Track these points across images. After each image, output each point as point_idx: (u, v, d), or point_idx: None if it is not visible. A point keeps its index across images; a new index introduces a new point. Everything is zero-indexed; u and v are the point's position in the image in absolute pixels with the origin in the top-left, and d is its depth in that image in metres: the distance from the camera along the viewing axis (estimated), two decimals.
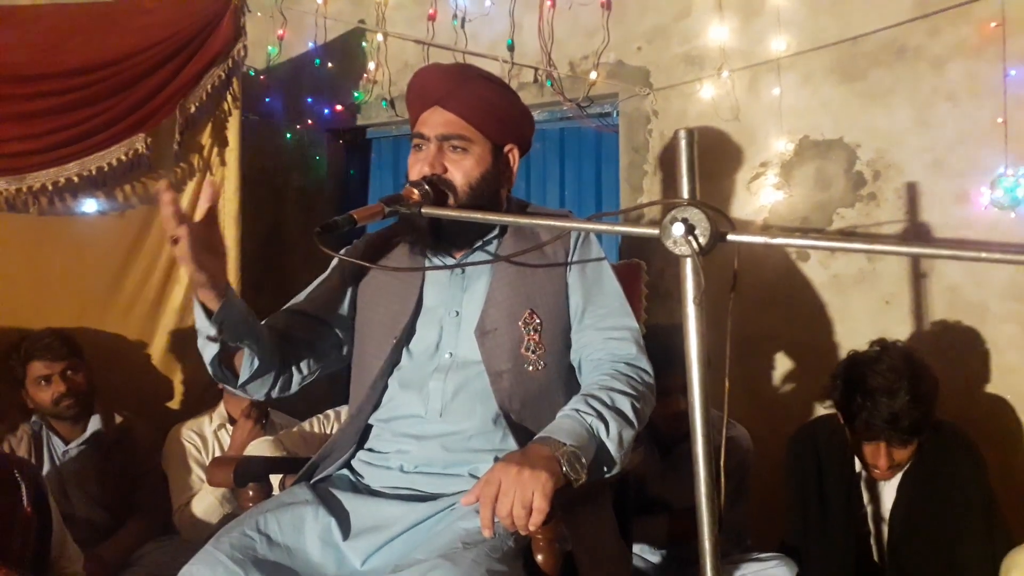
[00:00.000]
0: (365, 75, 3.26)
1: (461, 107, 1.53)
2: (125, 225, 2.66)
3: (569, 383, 1.56)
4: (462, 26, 3.06)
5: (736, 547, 2.18)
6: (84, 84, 2.42)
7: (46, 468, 2.45)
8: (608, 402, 1.40)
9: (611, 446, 1.37)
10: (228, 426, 2.62)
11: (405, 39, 3.16)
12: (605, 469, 1.38)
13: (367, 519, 1.41)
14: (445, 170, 1.51)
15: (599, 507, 1.53)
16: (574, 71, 2.92)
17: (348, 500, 1.46)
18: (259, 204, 3.23)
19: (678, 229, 1.03)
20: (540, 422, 1.47)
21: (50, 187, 2.42)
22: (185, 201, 2.74)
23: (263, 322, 1.56)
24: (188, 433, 2.61)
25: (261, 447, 2.30)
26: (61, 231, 2.58)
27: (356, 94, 3.28)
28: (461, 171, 1.51)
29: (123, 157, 2.49)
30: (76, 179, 2.45)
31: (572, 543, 1.36)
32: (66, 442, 2.51)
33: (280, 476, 2.09)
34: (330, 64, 3.31)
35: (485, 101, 1.54)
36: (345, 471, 1.59)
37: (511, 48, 2.99)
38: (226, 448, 2.55)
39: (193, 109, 2.63)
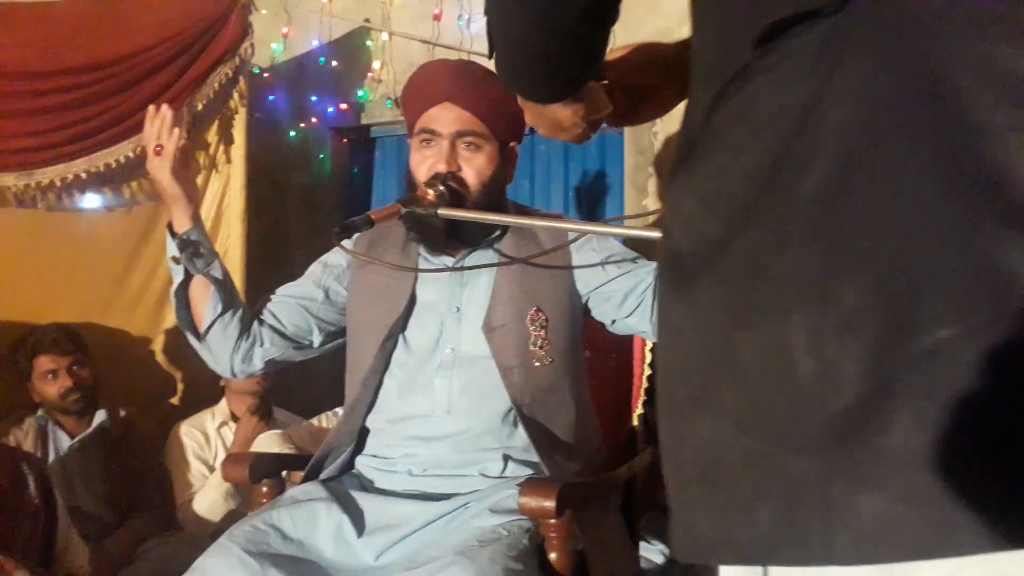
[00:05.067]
0: (370, 74, 3.27)
1: (474, 104, 1.52)
2: (131, 221, 2.67)
3: (576, 378, 1.57)
4: (468, 26, 3.08)
5: None
6: (92, 81, 2.42)
7: (51, 462, 2.45)
8: None
9: None
10: (230, 423, 2.63)
11: (411, 38, 3.17)
12: None
13: (380, 517, 1.42)
14: (459, 168, 1.51)
15: (608, 507, 1.55)
16: None
17: (360, 498, 1.47)
18: (262, 202, 3.24)
19: None
20: (550, 417, 1.49)
21: (58, 183, 2.43)
22: None
23: None
24: (190, 430, 2.62)
25: (270, 441, 2.32)
26: (68, 227, 2.59)
27: (361, 93, 3.29)
28: (475, 169, 1.51)
29: (131, 154, 2.50)
30: (84, 175, 2.46)
31: (584, 542, 1.38)
32: (71, 436, 2.51)
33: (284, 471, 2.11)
34: (335, 62, 3.31)
35: (495, 99, 1.53)
36: (354, 472, 1.60)
37: None
38: (229, 445, 2.56)
39: (200, 107, 2.64)
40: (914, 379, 0.46)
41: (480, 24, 3.05)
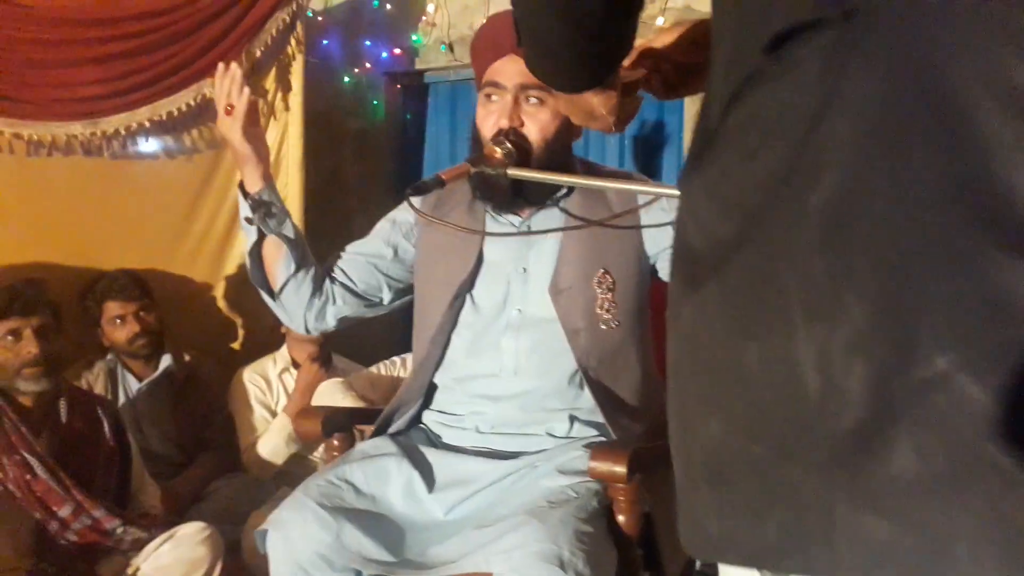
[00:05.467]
0: (424, 18, 3.22)
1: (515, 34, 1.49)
2: (193, 169, 2.70)
3: (642, 340, 1.56)
4: None
5: None
6: (154, 28, 2.43)
7: (121, 404, 2.54)
8: None
9: None
10: (291, 370, 2.68)
11: None
12: None
13: (450, 474, 1.45)
14: (522, 123, 1.48)
15: (669, 468, 1.55)
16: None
17: (430, 454, 1.50)
18: (317, 148, 3.24)
19: None
20: (616, 379, 1.49)
21: (123, 131, 2.46)
22: None
23: None
24: (252, 376, 2.68)
25: (332, 388, 2.37)
26: (132, 174, 2.63)
27: (415, 37, 3.24)
28: (538, 124, 1.48)
29: (192, 102, 2.51)
30: (147, 123, 2.48)
31: (650, 504, 1.39)
32: (139, 379, 2.60)
33: None
34: (388, 6, 3.27)
35: None
36: (421, 427, 1.62)
37: None
38: (290, 391, 2.62)
39: (259, 54, 2.63)
40: (915, 406, 0.47)
41: None
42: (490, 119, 1.50)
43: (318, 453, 2.60)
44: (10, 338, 1.98)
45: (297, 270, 1.58)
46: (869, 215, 0.48)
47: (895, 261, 0.48)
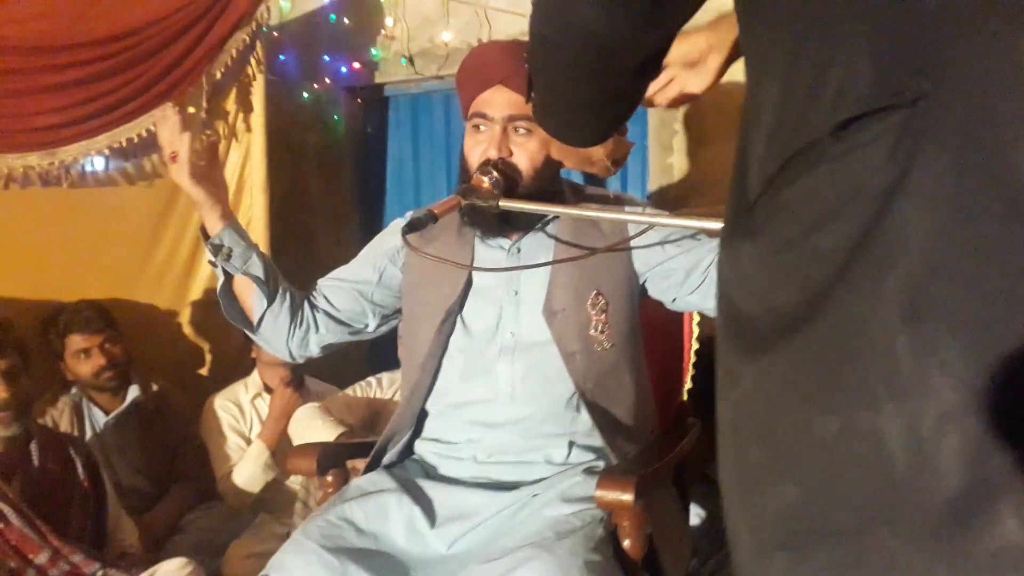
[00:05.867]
0: (383, 31, 3.19)
1: (526, 87, 1.49)
2: (154, 195, 2.63)
3: (635, 359, 1.58)
4: None
5: None
6: (109, 54, 2.36)
7: (88, 439, 2.47)
8: None
9: None
10: (264, 395, 2.64)
11: None
12: None
13: (450, 508, 1.44)
14: (510, 153, 1.48)
15: (666, 487, 1.57)
16: None
17: (428, 487, 1.49)
18: (278, 165, 3.19)
19: None
20: (612, 400, 1.51)
21: (81, 160, 2.39)
22: None
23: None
24: (224, 403, 2.63)
25: (311, 414, 2.33)
26: (91, 203, 2.55)
27: (374, 51, 3.21)
28: (527, 154, 1.49)
29: (152, 127, 2.43)
30: (107, 151, 2.41)
31: (652, 527, 1.40)
32: (106, 412, 2.53)
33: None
34: (346, 20, 3.23)
35: None
36: (415, 457, 1.61)
37: None
38: (264, 417, 2.58)
39: (219, 75, 2.58)
40: (1016, 476, 0.48)
41: None
42: (478, 149, 1.50)
43: (295, 479, 2.56)
44: None
45: (270, 303, 1.57)
46: (951, 296, 0.50)
47: (982, 339, 0.49)
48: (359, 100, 3.41)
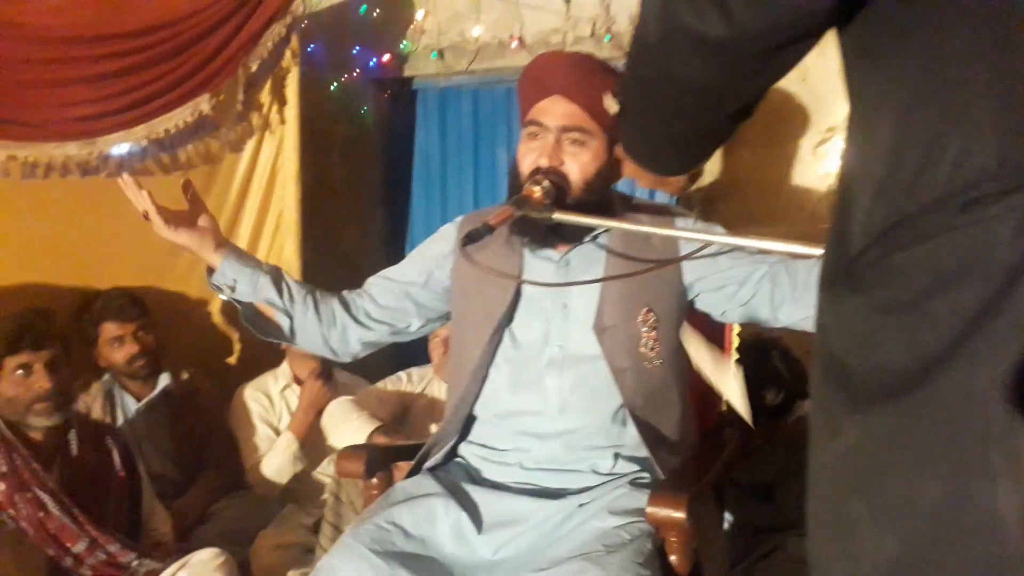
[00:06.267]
0: (413, 24, 3.18)
1: (584, 98, 1.47)
2: None
3: (681, 375, 1.59)
4: None
5: None
6: (148, 45, 2.36)
7: (119, 425, 2.50)
8: None
9: None
10: (294, 386, 2.66)
11: None
12: None
13: (497, 514, 1.46)
14: (562, 163, 1.49)
15: (709, 500, 1.59)
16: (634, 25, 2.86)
17: (473, 492, 1.51)
18: (305, 156, 3.20)
19: None
20: (660, 416, 1.52)
21: (119, 150, 2.40)
22: (245, 160, 2.73)
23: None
24: (254, 393, 2.65)
25: (343, 408, 2.36)
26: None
27: (403, 44, 3.21)
28: (578, 164, 1.49)
29: (188, 119, 2.46)
30: (144, 142, 2.42)
31: (698, 542, 1.42)
32: (137, 399, 2.56)
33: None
34: (376, 11, 3.22)
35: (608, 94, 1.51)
36: (460, 460, 1.63)
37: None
38: (293, 408, 2.60)
39: (255, 67, 2.58)
40: None
41: None
42: (530, 156, 1.50)
43: (322, 471, 2.59)
44: (20, 372, 1.93)
45: (293, 316, 1.58)
46: None
47: None
48: (387, 93, 3.41)
